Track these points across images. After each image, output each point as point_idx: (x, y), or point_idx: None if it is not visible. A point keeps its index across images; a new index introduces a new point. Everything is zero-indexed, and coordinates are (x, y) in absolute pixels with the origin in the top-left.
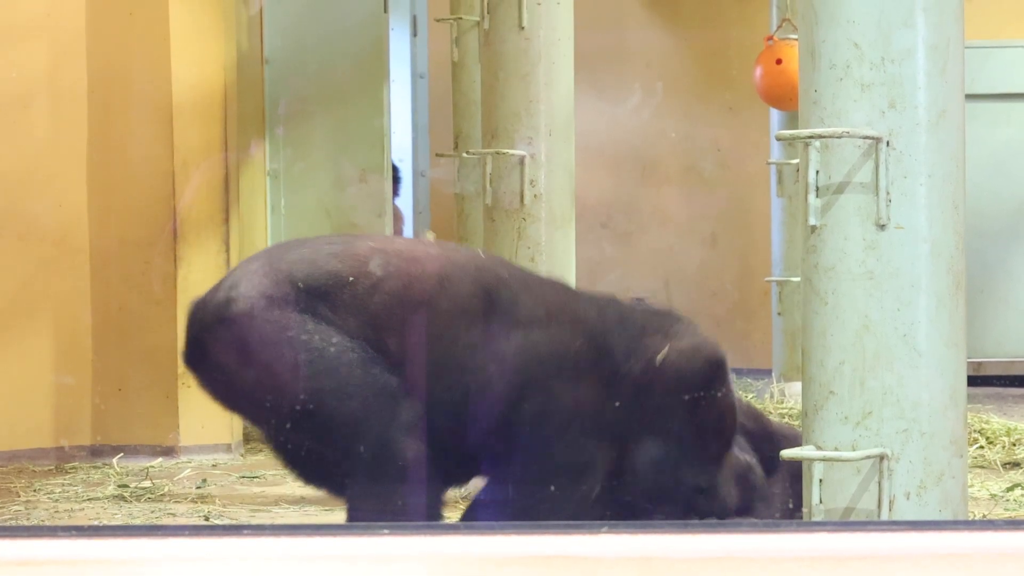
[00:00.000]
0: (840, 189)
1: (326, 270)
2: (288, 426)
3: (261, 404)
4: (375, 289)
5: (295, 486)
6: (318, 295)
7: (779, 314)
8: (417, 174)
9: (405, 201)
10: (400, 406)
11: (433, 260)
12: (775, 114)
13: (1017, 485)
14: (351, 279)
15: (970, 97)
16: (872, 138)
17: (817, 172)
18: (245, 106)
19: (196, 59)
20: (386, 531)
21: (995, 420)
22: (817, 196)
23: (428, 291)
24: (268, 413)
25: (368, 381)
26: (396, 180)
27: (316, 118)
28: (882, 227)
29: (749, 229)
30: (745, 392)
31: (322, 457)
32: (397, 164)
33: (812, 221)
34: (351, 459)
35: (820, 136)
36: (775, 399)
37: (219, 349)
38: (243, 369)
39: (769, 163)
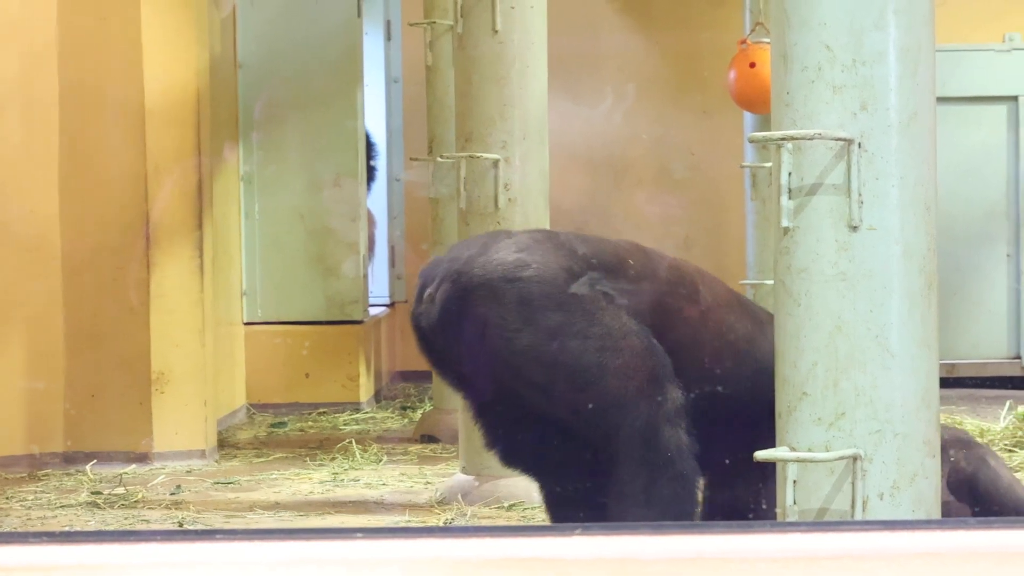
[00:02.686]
0: (812, 191)
1: (612, 251)
2: (558, 399)
3: (531, 373)
4: (650, 276)
5: (269, 491)
6: (606, 273)
7: None
8: (391, 178)
9: (379, 205)
10: (672, 395)
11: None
12: (748, 117)
13: None
14: (631, 262)
15: (942, 100)
16: (844, 140)
17: (789, 174)
18: (218, 111)
19: (169, 64)
20: (360, 535)
21: (968, 421)
22: (789, 198)
23: (694, 284)
24: (536, 384)
25: (649, 366)
26: (369, 180)
27: (290, 123)
28: (854, 229)
29: (723, 232)
30: None
31: (574, 439)
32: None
33: (785, 223)
34: (615, 441)
35: (792, 138)
36: None
37: (495, 310)
38: (520, 334)
39: (743, 166)
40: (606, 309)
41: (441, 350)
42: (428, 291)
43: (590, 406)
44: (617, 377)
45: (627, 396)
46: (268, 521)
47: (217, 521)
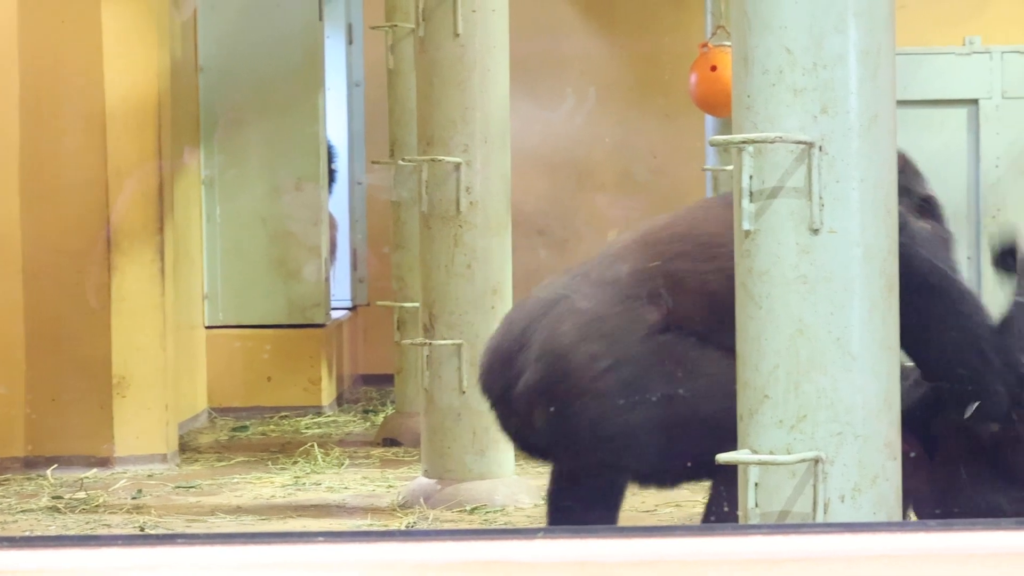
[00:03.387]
0: (773, 194)
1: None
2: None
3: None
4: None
5: (231, 495)
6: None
7: None
8: (353, 182)
9: (341, 209)
10: None
11: None
12: (710, 120)
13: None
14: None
15: (903, 103)
16: (805, 143)
17: (750, 177)
18: (179, 114)
19: (129, 67)
20: (321, 539)
21: None
22: (751, 201)
23: None
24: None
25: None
26: (330, 183)
27: (251, 126)
28: (815, 231)
29: None
30: None
31: None
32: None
33: (746, 226)
34: None
35: (753, 141)
36: None
37: (597, 404)
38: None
39: (704, 169)
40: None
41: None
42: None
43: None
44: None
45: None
46: (230, 525)
47: (178, 525)
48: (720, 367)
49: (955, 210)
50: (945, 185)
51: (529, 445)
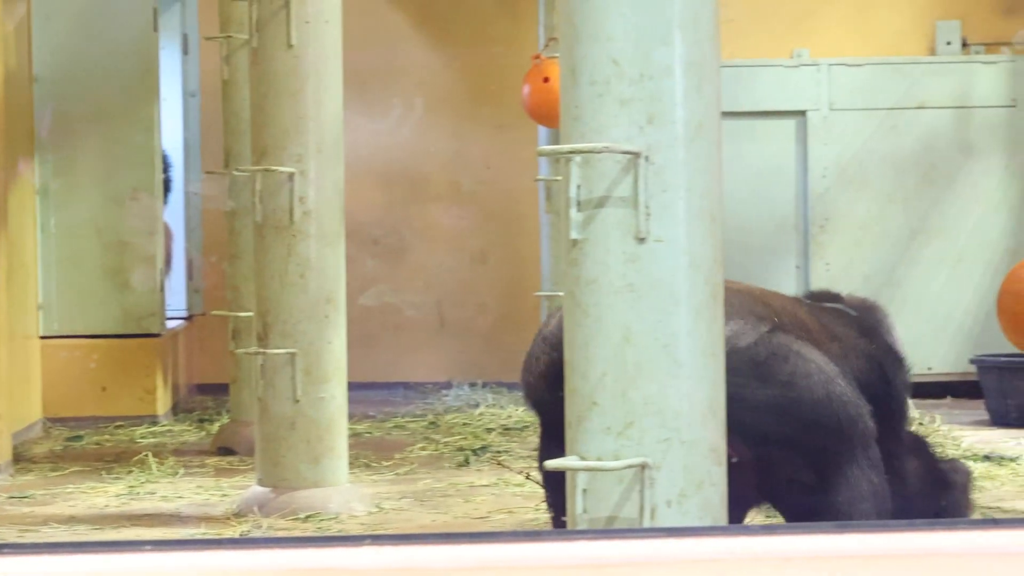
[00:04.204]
0: (601, 203)
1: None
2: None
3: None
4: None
5: (65, 505)
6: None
7: None
8: (189, 192)
9: (177, 219)
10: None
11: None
12: (543, 131)
13: None
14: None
15: (733, 115)
16: (631, 153)
17: (578, 187)
18: (13, 124)
19: None
20: (149, 547)
21: None
22: (578, 210)
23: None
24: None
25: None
26: (165, 193)
27: (87, 136)
28: (642, 240)
29: (519, 245)
30: (516, 405)
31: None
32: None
33: (574, 235)
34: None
35: (580, 151)
36: None
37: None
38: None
39: (537, 180)
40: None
41: None
42: None
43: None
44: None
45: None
46: (62, 535)
47: (10, 536)
48: None
49: (783, 220)
50: (774, 195)
51: None
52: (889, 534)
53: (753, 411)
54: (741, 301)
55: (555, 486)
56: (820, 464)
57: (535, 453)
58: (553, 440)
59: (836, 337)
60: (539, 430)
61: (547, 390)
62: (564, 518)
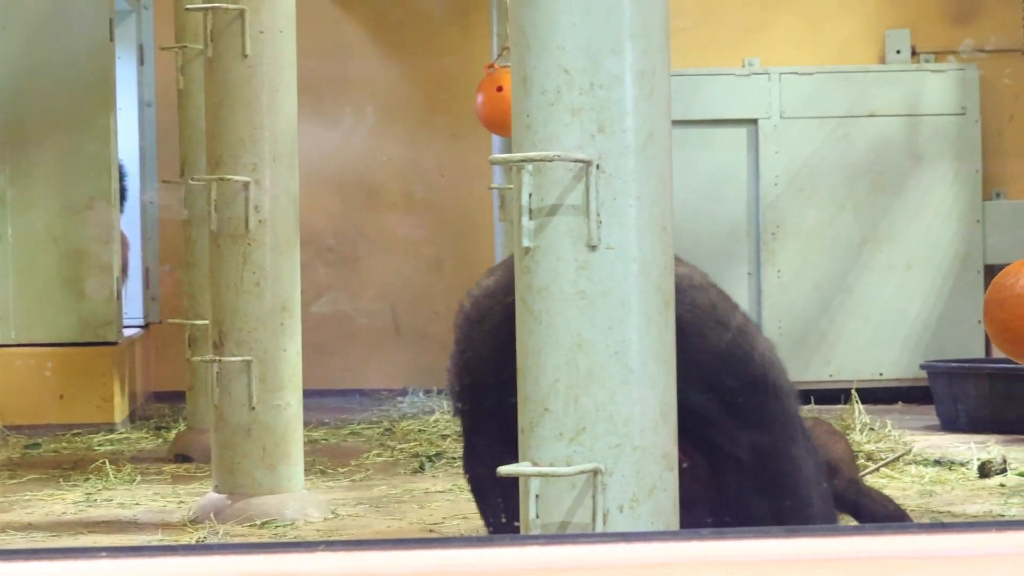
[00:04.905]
0: (552, 211)
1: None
2: None
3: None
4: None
5: (22, 512)
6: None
7: None
8: (145, 201)
9: (133, 227)
10: None
11: None
12: (497, 140)
13: None
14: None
15: (685, 123)
16: (583, 161)
17: (530, 195)
18: None
19: None
20: (104, 554)
21: None
22: (530, 218)
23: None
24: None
25: None
26: (121, 202)
27: (42, 145)
28: (593, 248)
29: (474, 253)
30: None
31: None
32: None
33: (526, 243)
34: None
35: (532, 160)
36: None
37: None
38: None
39: (491, 188)
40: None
41: None
42: None
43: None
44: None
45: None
46: (19, 542)
47: None
48: None
49: (735, 228)
50: (726, 203)
51: None
52: (838, 538)
53: (709, 355)
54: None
55: (485, 493)
56: (760, 430)
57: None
58: (485, 439)
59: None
60: (466, 431)
61: (493, 370)
62: (498, 521)
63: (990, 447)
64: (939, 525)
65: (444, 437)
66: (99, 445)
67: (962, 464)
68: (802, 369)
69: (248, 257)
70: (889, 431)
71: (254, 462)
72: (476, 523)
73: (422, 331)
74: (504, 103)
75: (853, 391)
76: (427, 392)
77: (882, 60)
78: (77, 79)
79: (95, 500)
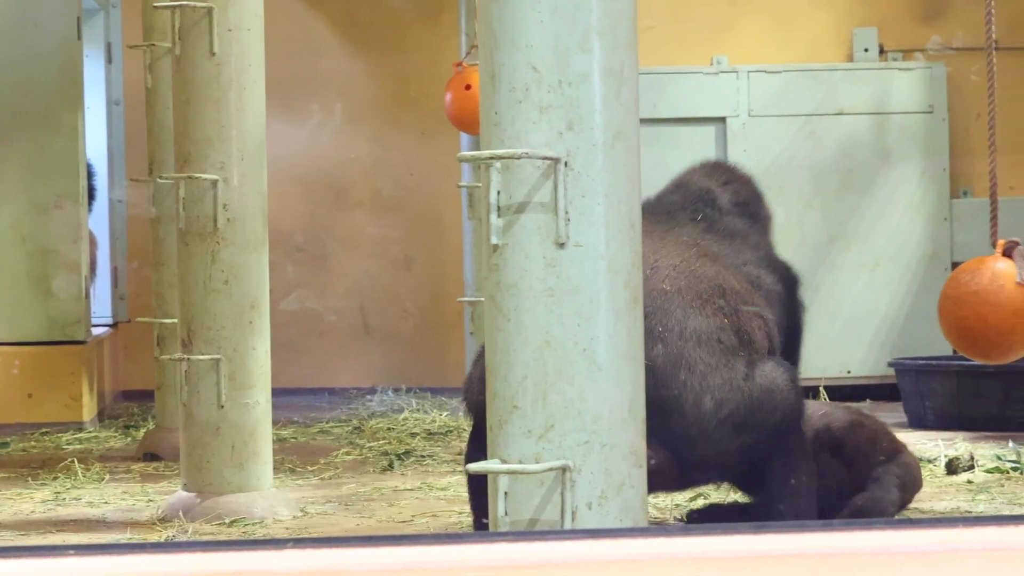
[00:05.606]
0: (521, 209)
1: None
2: None
3: None
4: None
5: None
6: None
7: (472, 334)
8: (113, 199)
9: (101, 226)
10: None
11: None
12: (465, 138)
13: (699, 495)
14: None
15: (654, 121)
16: (551, 159)
17: (499, 192)
18: None
19: None
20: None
21: None
22: (499, 216)
23: None
24: None
25: None
26: (89, 201)
27: (10, 144)
28: (561, 245)
29: (442, 251)
30: (440, 410)
31: None
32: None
33: (494, 240)
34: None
35: (500, 157)
36: None
37: None
38: None
39: (460, 186)
40: None
41: None
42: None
43: None
44: None
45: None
46: None
47: None
48: None
49: None
50: None
51: None
52: (805, 534)
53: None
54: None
55: (479, 490)
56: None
57: (460, 457)
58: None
59: (758, 286)
60: (473, 430)
61: None
62: (485, 520)
63: (957, 444)
64: (907, 521)
65: (413, 435)
66: (68, 444)
67: (930, 461)
68: None
69: (216, 255)
70: None
71: (223, 460)
72: (445, 521)
73: (391, 329)
74: (473, 101)
75: (821, 388)
76: (396, 390)
77: (850, 58)
78: (45, 78)
79: (64, 499)
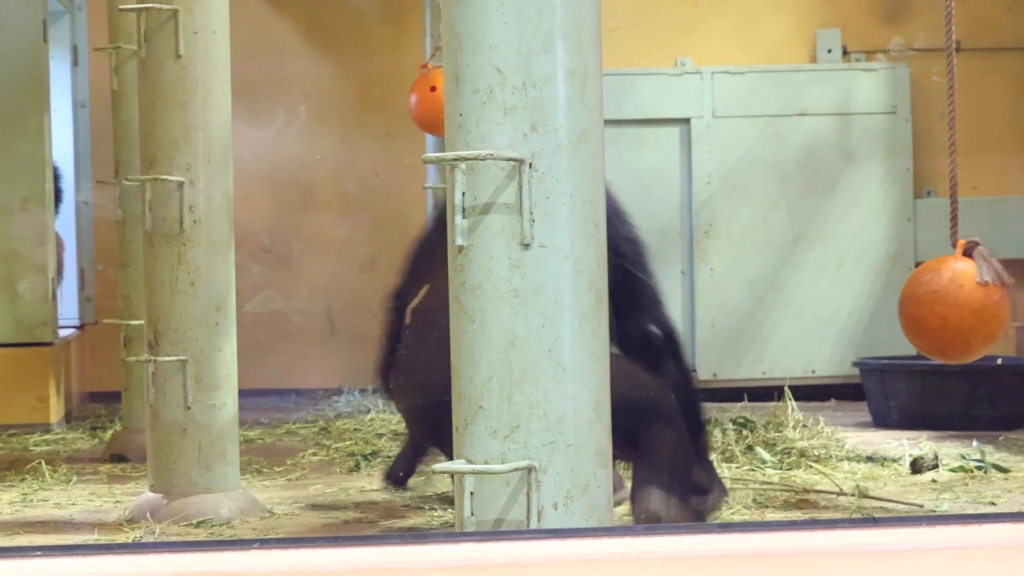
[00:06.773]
0: (486, 210)
1: None
2: None
3: None
4: None
5: None
6: None
7: None
8: (80, 202)
9: (68, 228)
10: None
11: None
12: (431, 139)
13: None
14: None
15: (618, 122)
16: (515, 160)
17: (463, 194)
18: None
19: None
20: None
21: None
22: (464, 217)
23: None
24: None
25: None
26: (56, 203)
27: None
28: (526, 246)
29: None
30: None
31: None
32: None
33: (459, 241)
34: None
35: (465, 159)
36: None
37: None
38: None
39: (425, 187)
40: None
41: None
42: None
43: None
44: None
45: None
46: None
47: None
48: None
49: (668, 227)
50: (659, 202)
51: None
52: (770, 533)
53: None
54: None
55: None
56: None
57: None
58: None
59: None
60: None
61: None
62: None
63: (922, 443)
64: (871, 520)
65: (379, 436)
66: (35, 445)
67: (894, 460)
68: (735, 367)
69: (183, 257)
70: (822, 428)
71: (190, 462)
72: (412, 521)
73: (357, 330)
74: (437, 103)
75: (786, 388)
76: (362, 391)
77: (813, 59)
78: (10, 80)
79: (31, 500)
